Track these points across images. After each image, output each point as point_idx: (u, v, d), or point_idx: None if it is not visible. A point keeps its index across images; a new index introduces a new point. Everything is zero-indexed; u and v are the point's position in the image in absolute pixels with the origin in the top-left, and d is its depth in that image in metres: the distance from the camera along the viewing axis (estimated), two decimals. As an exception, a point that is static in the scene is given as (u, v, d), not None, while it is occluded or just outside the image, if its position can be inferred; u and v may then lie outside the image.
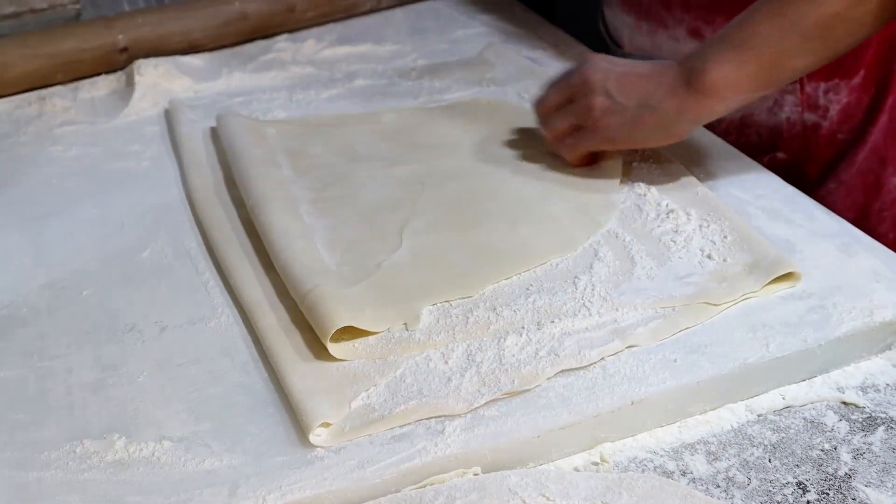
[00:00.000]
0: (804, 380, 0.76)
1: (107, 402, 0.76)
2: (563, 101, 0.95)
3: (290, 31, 1.37)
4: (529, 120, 1.03)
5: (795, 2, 0.84)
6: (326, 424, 0.71)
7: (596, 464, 0.71)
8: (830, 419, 0.73)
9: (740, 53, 0.86)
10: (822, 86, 1.04)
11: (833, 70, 1.02)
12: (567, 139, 0.95)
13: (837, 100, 1.04)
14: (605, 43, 1.24)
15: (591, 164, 0.97)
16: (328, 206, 0.95)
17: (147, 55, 1.28)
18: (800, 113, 1.06)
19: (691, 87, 0.87)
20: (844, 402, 0.74)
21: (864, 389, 0.75)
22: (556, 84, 0.97)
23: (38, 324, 0.85)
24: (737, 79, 0.86)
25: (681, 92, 0.87)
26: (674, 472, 0.70)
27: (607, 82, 0.91)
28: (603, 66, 0.92)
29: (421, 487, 0.67)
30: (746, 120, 1.09)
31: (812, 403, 0.74)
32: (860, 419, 0.73)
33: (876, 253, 0.85)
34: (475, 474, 0.68)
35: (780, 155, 1.09)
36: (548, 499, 0.65)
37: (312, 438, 0.70)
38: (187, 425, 0.73)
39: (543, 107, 0.98)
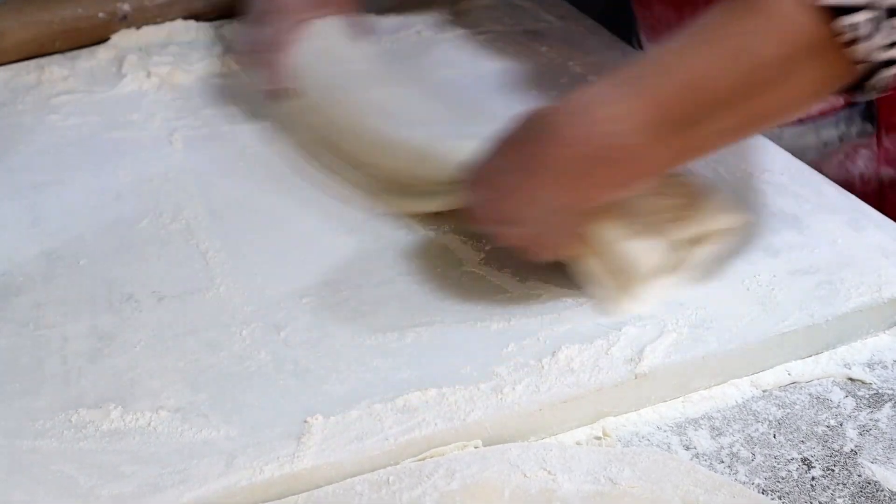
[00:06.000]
0: (810, 356, 0.75)
1: (103, 372, 0.75)
2: None
3: (292, 1, 1.35)
4: None
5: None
6: None
7: (598, 438, 0.70)
8: (836, 395, 0.72)
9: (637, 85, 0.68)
10: None
11: None
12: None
13: None
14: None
15: None
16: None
17: (148, 23, 1.26)
18: (875, 168, 0.97)
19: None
20: (851, 379, 0.73)
21: (871, 366, 0.74)
22: None
23: (34, 293, 0.84)
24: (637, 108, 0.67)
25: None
26: (677, 447, 0.69)
27: None
28: None
29: (421, 460, 0.67)
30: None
31: (818, 379, 0.74)
32: (867, 396, 0.72)
33: (885, 228, 0.83)
34: (476, 447, 0.67)
35: None
36: (549, 472, 0.64)
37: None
38: (184, 395, 0.72)
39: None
